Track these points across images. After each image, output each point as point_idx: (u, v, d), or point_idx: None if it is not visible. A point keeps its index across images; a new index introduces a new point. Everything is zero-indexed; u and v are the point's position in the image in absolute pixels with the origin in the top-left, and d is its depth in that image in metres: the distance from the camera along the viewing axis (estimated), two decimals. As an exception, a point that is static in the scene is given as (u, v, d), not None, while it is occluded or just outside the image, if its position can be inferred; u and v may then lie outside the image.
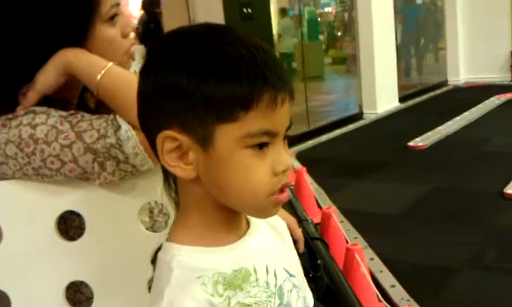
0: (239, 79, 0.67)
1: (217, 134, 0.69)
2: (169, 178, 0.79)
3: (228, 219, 0.77)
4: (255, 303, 0.75)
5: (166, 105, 0.70)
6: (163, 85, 0.70)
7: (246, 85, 0.68)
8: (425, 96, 7.66)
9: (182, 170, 0.72)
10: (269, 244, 0.82)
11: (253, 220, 0.81)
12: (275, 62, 0.71)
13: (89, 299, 1.12)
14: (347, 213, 3.28)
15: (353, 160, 4.76)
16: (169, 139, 0.70)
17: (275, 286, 0.78)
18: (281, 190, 0.73)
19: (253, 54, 0.69)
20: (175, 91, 0.69)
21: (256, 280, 0.76)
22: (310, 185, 3.52)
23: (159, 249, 0.79)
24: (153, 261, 0.83)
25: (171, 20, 4.89)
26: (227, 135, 0.69)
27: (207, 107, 0.68)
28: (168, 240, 0.77)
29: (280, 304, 0.78)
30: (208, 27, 0.75)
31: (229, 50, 0.69)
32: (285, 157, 0.73)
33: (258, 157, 0.70)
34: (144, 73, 0.74)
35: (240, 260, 0.76)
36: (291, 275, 0.83)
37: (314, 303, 1.31)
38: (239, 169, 0.70)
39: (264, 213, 0.77)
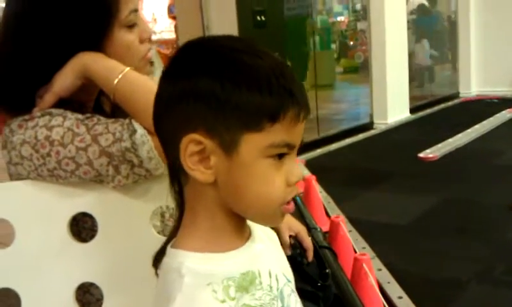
0: (270, 91, 0.70)
1: (243, 141, 0.71)
2: (175, 183, 0.80)
3: (235, 225, 0.79)
4: (260, 305, 0.76)
5: (194, 108, 0.71)
6: (194, 89, 0.71)
7: (276, 98, 0.70)
8: (436, 108, 7.63)
9: (201, 173, 0.73)
10: (269, 250, 0.85)
11: (253, 227, 0.83)
12: (297, 80, 0.74)
13: (99, 300, 1.13)
14: (356, 222, 3.27)
15: (363, 170, 4.74)
16: (194, 142, 0.71)
17: (277, 290, 0.81)
18: (289, 202, 0.76)
19: (281, 69, 0.72)
20: (207, 96, 0.70)
21: (261, 283, 0.78)
22: (319, 193, 3.51)
23: (159, 253, 0.80)
24: (154, 264, 0.82)
25: (185, 27, 4.92)
26: (252, 143, 0.71)
27: (237, 114, 0.70)
28: (174, 246, 0.78)
29: None
30: (233, 38, 0.78)
31: (260, 62, 0.72)
32: (297, 169, 0.76)
33: (276, 166, 0.73)
34: (169, 76, 0.75)
35: (246, 264, 0.77)
36: (288, 281, 0.86)
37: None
38: (258, 177, 0.73)
39: (271, 221, 0.80)
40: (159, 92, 0.76)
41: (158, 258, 0.81)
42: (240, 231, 0.80)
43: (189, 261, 0.74)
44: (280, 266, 0.85)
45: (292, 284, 0.87)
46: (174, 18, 5.49)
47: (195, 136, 0.71)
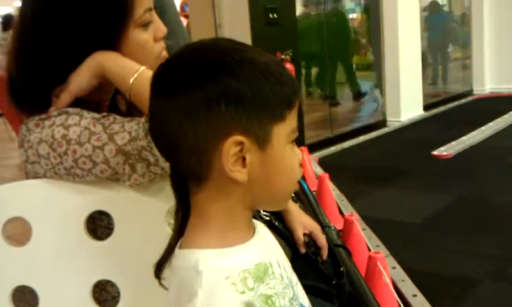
0: (284, 82, 0.76)
1: (273, 133, 0.76)
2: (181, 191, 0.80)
3: (246, 220, 0.82)
4: (275, 294, 0.78)
5: (227, 112, 0.72)
6: (223, 92, 0.71)
7: (288, 87, 0.76)
8: (450, 105, 7.59)
9: (240, 173, 0.74)
10: (272, 242, 0.88)
11: (256, 222, 0.86)
12: None
13: (115, 298, 1.13)
14: (369, 220, 3.26)
15: (376, 168, 4.73)
16: (235, 143, 0.73)
17: (287, 279, 0.83)
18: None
19: (279, 63, 0.78)
20: (237, 97, 0.72)
21: (273, 273, 0.79)
22: (332, 191, 3.50)
23: (161, 262, 0.80)
24: (157, 274, 0.81)
25: (197, 25, 4.92)
26: (280, 133, 0.76)
27: (266, 109, 0.74)
28: (184, 247, 0.79)
29: (293, 295, 0.83)
30: (225, 39, 0.81)
31: (265, 57, 0.76)
32: (297, 149, 0.82)
33: (292, 150, 0.80)
34: (185, 84, 0.73)
35: (258, 255, 0.79)
36: (292, 271, 0.88)
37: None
38: (287, 163, 0.79)
39: (285, 202, 0.86)
40: (182, 102, 0.73)
41: (160, 267, 0.81)
42: (248, 226, 0.83)
43: (205, 258, 0.75)
44: (283, 256, 0.88)
45: (295, 276, 0.89)
46: (186, 16, 5.48)
47: (237, 138, 0.72)
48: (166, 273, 0.81)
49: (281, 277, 0.81)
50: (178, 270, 0.77)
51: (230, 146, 0.72)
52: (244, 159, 0.74)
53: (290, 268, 0.88)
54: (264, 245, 0.83)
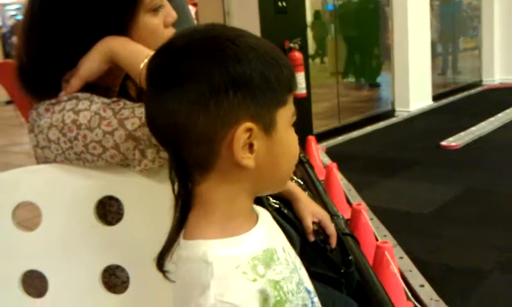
0: (284, 66, 0.77)
1: (278, 118, 0.76)
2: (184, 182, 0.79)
3: (249, 208, 0.82)
4: (283, 279, 0.78)
5: (235, 99, 0.71)
6: (234, 79, 0.71)
7: (287, 71, 0.77)
8: (459, 96, 7.55)
9: (249, 159, 0.74)
10: (275, 228, 0.88)
11: (257, 208, 0.86)
12: None
13: (124, 283, 1.14)
14: (377, 210, 3.26)
15: (384, 158, 4.72)
16: (245, 130, 0.73)
17: (292, 263, 0.83)
18: None
19: (275, 47, 0.78)
20: (246, 83, 0.72)
21: (278, 258, 0.79)
22: (340, 181, 3.50)
23: (163, 252, 0.79)
24: (160, 266, 0.80)
25: (206, 12, 4.91)
26: (283, 117, 0.77)
27: (271, 95, 0.75)
28: (190, 238, 0.78)
29: (299, 280, 0.83)
30: (229, 27, 0.80)
31: (264, 42, 0.77)
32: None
33: (293, 132, 0.81)
34: (192, 73, 0.72)
35: (264, 241, 0.79)
36: (296, 255, 0.88)
37: (346, 298, 1.32)
38: (290, 146, 0.80)
39: (286, 183, 0.87)
40: (177, 94, 0.73)
41: (162, 260, 0.80)
42: (251, 213, 0.83)
43: (213, 248, 0.74)
44: (286, 241, 0.88)
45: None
46: (195, 4, 5.46)
47: (247, 125, 0.73)
48: (170, 266, 0.80)
49: (287, 261, 0.81)
50: (185, 262, 0.77)
51: (241, 133, 0.72)
52: (251, 145, 0.74)
53: (294, 252, 0.88)
54: (269, 231, 0.83)
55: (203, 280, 0.71)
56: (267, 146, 0.76)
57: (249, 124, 0.73)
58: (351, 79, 8.04)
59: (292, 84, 0.78)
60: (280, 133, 0.77)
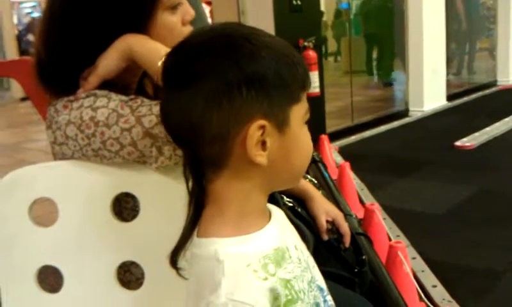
0: (298, 64, 0.77)
1: (292, 115, 0.77)
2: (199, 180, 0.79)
3: (262, 206, 0.82)
4: (294, 278, 0.78)
5: (249, 96, 0.72)
6: (248, 77, 0.72)
7: (301, 68, 0.78)
8: (473, 96, 7.50)
9: (262, 157, 0.75)
10: (288, 226, 0.88)
11: (270, 206, 0.86)
12: None
13: (139, 279, 1.14)
14: (390, 210, 3.25)
15: (397, 158, 4.70)
16: (258, 128, 0.73)
17: (305, 262, 0.83)
18: None
19: (288, 44, 0.79)
20: (259, 81, 0.72)
21: (290, 257, 0.79)
22: (353, 180, 3.49)
23: (177, 249, 0.80)
24: (173, 263, 0.81)
25: (221, 11, 4.92)
26: (296, 114, 0.78)
27: (285, 93, 0.76)
28: (203, 236, 0.78)
29: (311, 278, 0.83)
30: (236, 24, 0.81)
31: (278, 40, 0.78)
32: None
33: (306, 130, 0.81)
34: (212, 71, 0.73)
35: (275, 240, 0.79)
36: (309, 255, 0.88)
37: (360, 298, 1.32)
38: (304, 143, 0.81)
39: (299, 179, 0.88)
40: (192, 91, 0.73)
41: (175, 257, 0.81)
42: (264, 211, 0.83)
43: (225, 247, 0.75)
44: (299, 239, 0.88)
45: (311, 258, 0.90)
46: (209, 3, 5.46)
47: (261, 122, 0.73)
48: (182, 263, 0.81)
49: (299, 260, 0.81)
50: (198, 260, 0.77)
51: (254, 131, 0.73)
52: (263, 143, 0.74)
53: (307, 251, 0.88)
54: (281, 229, 0.83)
55: (215, 278, 0.72)
56: (280, 144, 0.76)
57: (262, 121, 0.73)
58: (366, 77, 8.02)
59: (305, 82, 0.79)
60: (293, 130, 0.77)
